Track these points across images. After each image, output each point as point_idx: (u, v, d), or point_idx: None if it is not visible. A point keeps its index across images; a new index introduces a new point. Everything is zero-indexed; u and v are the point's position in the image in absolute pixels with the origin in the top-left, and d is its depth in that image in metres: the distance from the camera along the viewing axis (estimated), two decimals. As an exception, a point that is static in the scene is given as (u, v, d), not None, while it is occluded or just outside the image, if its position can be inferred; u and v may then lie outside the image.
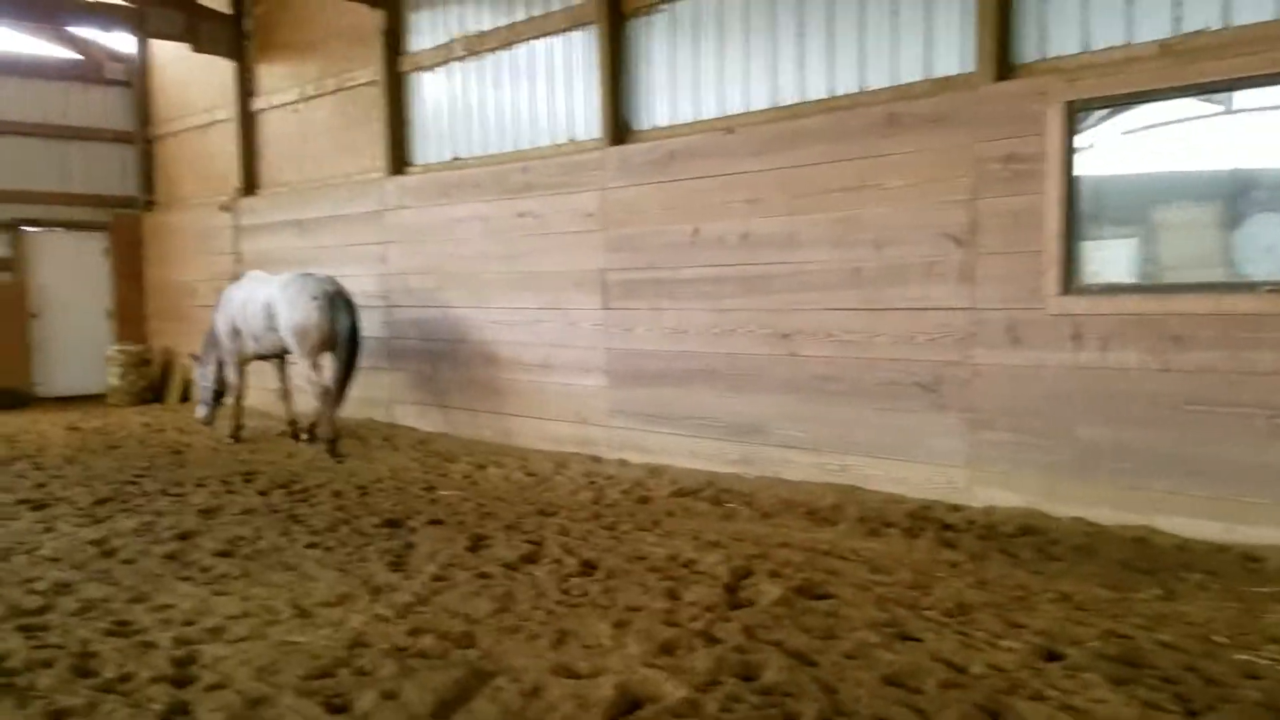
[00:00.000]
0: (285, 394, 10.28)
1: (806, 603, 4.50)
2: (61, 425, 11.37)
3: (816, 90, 6.92)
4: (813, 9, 6.93)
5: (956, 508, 6.10)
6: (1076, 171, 5.69)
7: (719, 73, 7.51)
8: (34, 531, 6.30)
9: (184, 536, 6.12)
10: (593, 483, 7.56)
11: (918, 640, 3.96)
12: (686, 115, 7.77)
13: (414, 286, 10.11)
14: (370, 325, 10.47)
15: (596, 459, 8.36)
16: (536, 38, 8.84)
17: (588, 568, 5.21)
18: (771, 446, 7.10)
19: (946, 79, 6.27)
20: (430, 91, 10.09)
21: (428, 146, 10.20)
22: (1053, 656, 3.83)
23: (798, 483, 6.92)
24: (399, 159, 10.36)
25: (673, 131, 7.80)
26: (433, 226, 9.83)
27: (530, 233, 8.84)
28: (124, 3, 11.77)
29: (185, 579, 5.08)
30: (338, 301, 8.97)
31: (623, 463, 8.14)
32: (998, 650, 3.85)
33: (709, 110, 7.62)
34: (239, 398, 10.20)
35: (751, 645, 3.90)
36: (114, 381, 13.51)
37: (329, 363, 9.16)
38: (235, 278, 10.47)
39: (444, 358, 9.81)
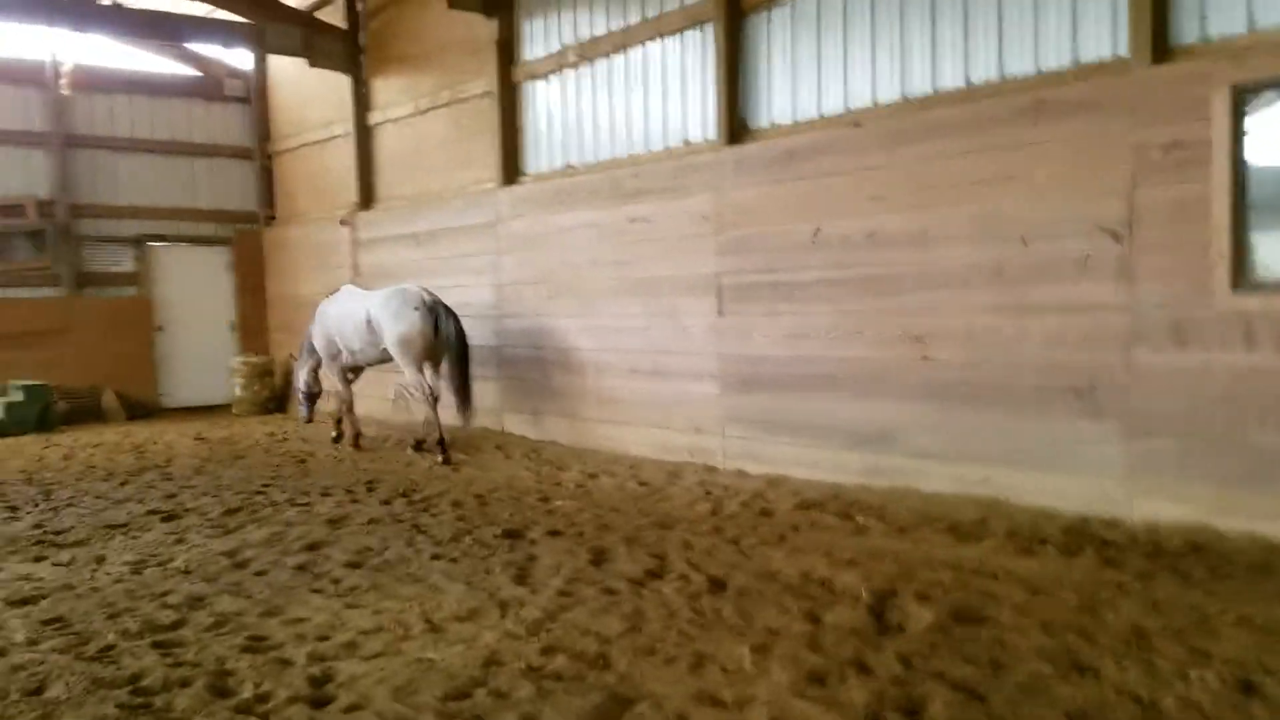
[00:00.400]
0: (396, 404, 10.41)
1: (963, 628, 4.18)
2: (188, 435, 11.71)
3: (951, 80, 6.57)
4: (944, -4, 6.59)
5: (1114, 523, 5.66)
6: (1246, 159, 5.22)
7: (843, 66, 7.21)
8: (165, 543, 6.39)
9: (313, 547, 6.14)
10: (709, 494, 7.33)
11: (1096, 671, 3.62)
12: (808, 111, 7.50)
13: (526, 295, 10.06)
14: (483, 335, 10.48)
15: (711, 468, 8.13)
16: (651, 40, 8.69)
17: (716, 585, 4.99)
18: (902, 456, 6.75)
19: (1097, 64, 5.85)
20: (543, 100, 10.04)
21: (540, 155, 10.15)
22: (1249, 688, 3.44)
23: (933, 495, 6.56)
24: (512, 169, 10.34)
25: (794, 129, 7.54)
26: (544, 235, 9.76)
27: (641, 238, 8.68)
28: (244, 20, 12.09)
29: (316, 591, 5.05)
30: (438, 310, 9.18)
31: (739, 473, 7.89)
32: (1188, 683, 3.48)
33: (832, 105, 7.33)
34: (349, 407, 10.39)
35: (910, 676, 3.62)
36: (237, 392, 13.89)
37: (431, 371, 9.39)
38: (330, 293, 10.62)
39: (555, 365, 9.73)
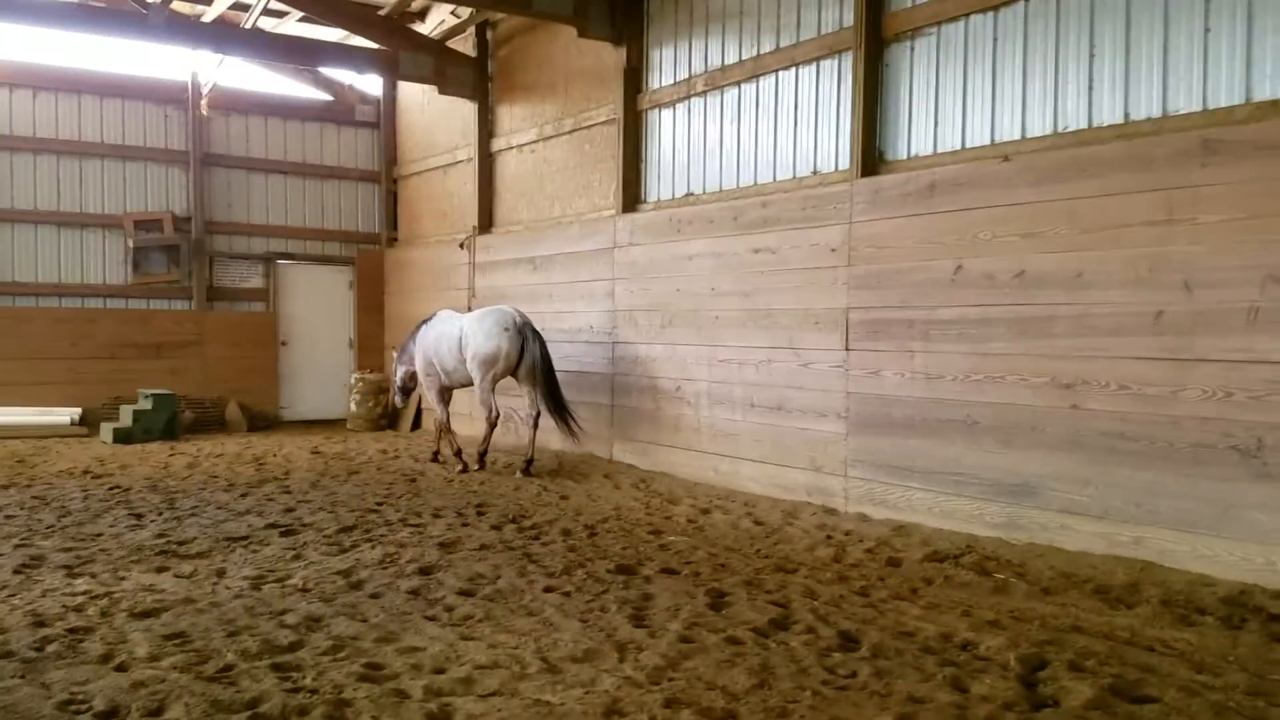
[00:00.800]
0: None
1: (1126, 706, 3.80)
2: (305, 449, 11.92)
3: (1109, 114, 6.18)
4: (1105, 29, 6.21)
5: (1284, 596, 5.15)
6: None
7: (990, 97, 6.89)
8: (284, 559, 6.41)
9: (426, 571, 6.07)
10: (830, 538, 7.01)
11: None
12: (950, 143, 7.18)
13: (640, 323, 9.93)
14: (595, 361, 10.40)
15: (830, 510, 7.80)
16: (784, 68, 8.50)
17: (848, 641, 4.68)
18: (1045, 510, 6.32)
19: (1272, 102, 5.41)
20: (667, 128, 9.95)
21: (661, 183, 10.05)
22: None
23: (1079, 554, 6.10)
24: (632, 196, 10.26)
25: (935, 160, 7.23)
26: (662, 263, 9.63)
27: (766, 270, 8.46)
28: (379, 46, 12.38)
29: (431, 619, 4.94)
30: (526, 332, 9.66)
31: (861, 517, 7.54)
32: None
33: (977, 138, 7.00)
34: (447, 429, 10.64)
35: (1078, 761, 3.27)
36: (353, 408, 14.13)
37: (528, 393, 9.96)
38: (427, 318, 10.75)
39: (667, 395, 9.55)
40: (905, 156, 7.53)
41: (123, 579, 5.80)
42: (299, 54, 12.49)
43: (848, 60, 7.83)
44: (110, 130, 13.46)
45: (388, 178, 15.24)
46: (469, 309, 12.70)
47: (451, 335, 10.08)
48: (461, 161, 13.39)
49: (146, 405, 12.29)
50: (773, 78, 8.65)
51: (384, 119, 15.18)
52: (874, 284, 7.48)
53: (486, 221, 12.82)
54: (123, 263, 13.54)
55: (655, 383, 9.74)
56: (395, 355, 11.56)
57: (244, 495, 8.82)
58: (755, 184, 8.87)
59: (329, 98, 14.95)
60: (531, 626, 4.85)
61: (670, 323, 9.53)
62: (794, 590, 5.61)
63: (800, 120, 8.43)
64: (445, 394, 10.69)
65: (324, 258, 14.99)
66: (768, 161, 8.76)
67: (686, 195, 9.67)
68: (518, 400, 11.65)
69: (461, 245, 12.98)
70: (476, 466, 10.14)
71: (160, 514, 7.89)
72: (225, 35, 11.93)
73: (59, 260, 13.25)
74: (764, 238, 8.46)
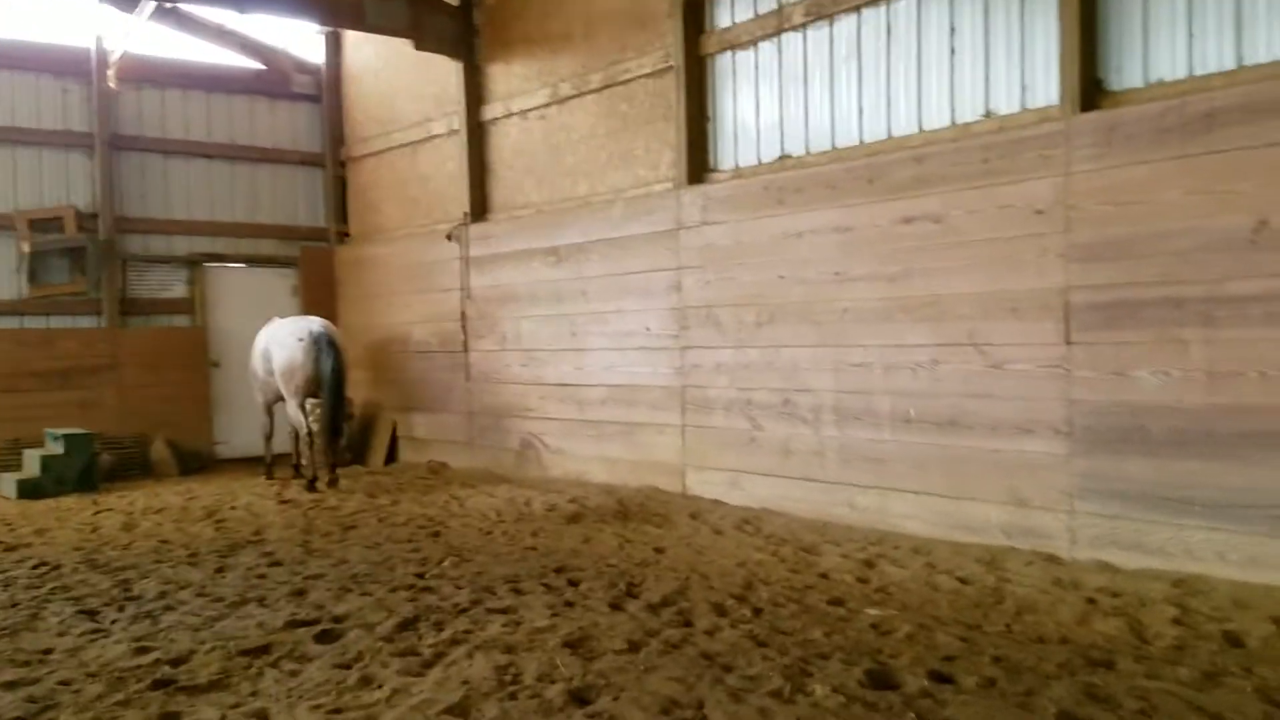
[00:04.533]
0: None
1: None
2: (267, 496, 9.39)
3: None
4: None
5: None
6: None
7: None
8: (347, 685, 4.18)
9: (580, 698, 3.99)
10: (1092, 602, 5.12)
11: None
12: (1221, 60, 5.39)
13: (723, 322, 7.88)
14: (655, 372, 8.33)
15: (1051, 558, 5.90)
16: (940, -19, 6.61)
17: None
18: None
19: None
20: (745, 74, 7.94)
21: (740, 146, 8.03)
22: None
23: None
24: (699, 164, 8.20)
25: (1198, 85, 5.43)
26: (754, 245, 7.61)
27: (924, 244, 6.53)
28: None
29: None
30: (321, 343, 9.42)
31: (1104, 566, 5.66)
32: None
33: (1261, 53, 5.23)
34: (295, 440, 10.14)
35: None
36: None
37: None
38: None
39: (771, 411, 7.52)
40: (1142, 84, 5.71)
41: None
42: (248, 4, 9.89)
43: (1053, -40, 5.98)
44: (-5, 108, 10.63)
45: (334, 160, 12.73)
46: (462, 314, 10.43)
47: (259, 344, 10.11)
48: (438, 136, 11.07)
49: (57, 449, 9.56)
50: (917, -3, 6.75)
51: (327, 90, 12.66)
52: (1112, 254, 5.62)
53: (481, 207, 10.55)
54: (15, 271, 10.67)
55: (749, 396, 7.70)
56: None
57: (219, 570, 6.48)
58: (892, 136, 6.94)
59: (260, 66, 12.34)
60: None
61: (771, 319, 7.50)
62: (1161, 700, 3.72)
63: (961, 49, 6.54)
64: (269, 404, 10.42)
65: (260, 258, 12.38)
66: (909, 107, 6.85)
67: (782, 158, 7.67)
68: (535, 423, 9.50)
69: (449, 237, 10.66)
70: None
71: (120, 608, 5.53)
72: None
73: (-72, 270, 10.35)
74: (920, 203, 6.53)
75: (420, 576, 6.15)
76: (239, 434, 11.90)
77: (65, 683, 4.17)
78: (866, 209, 6.84)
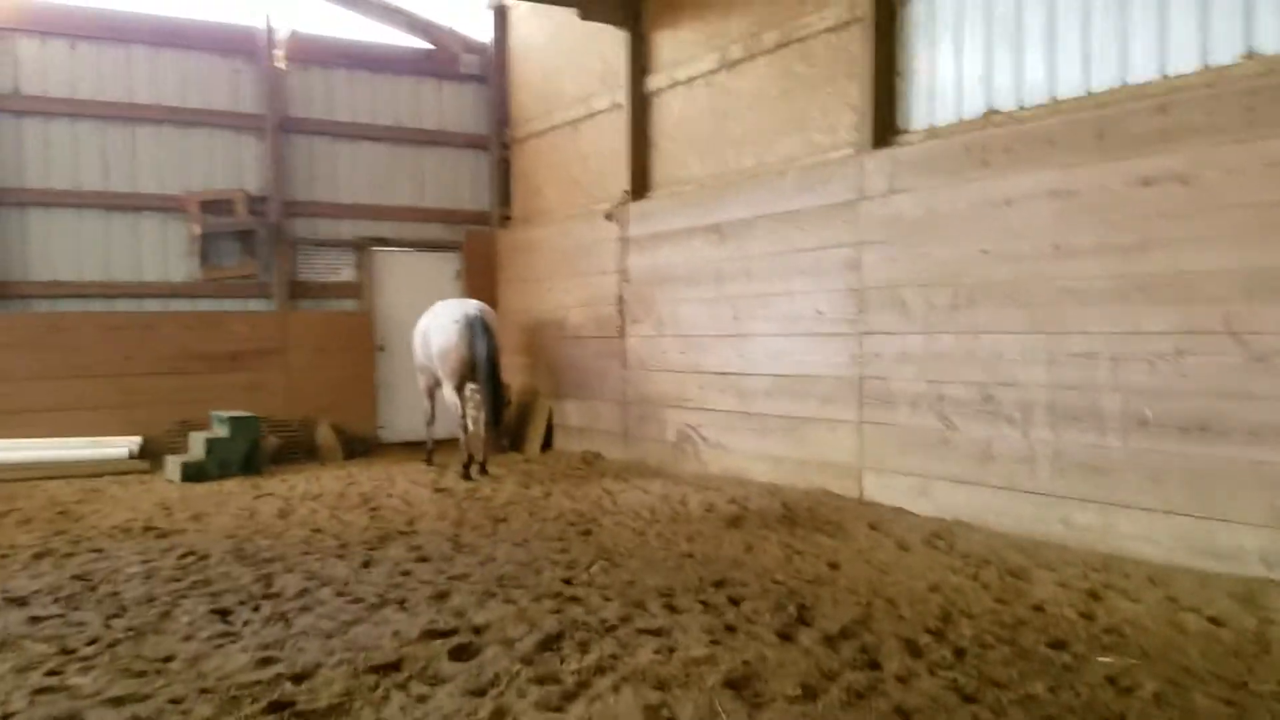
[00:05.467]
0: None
1: None
2: (423, 484, 9.11)
3: None
4: None
5: None
6: None
7: None
8: (477, 717, 3.59)
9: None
10: None
11: None
12: None
13: (910, 303, 6.95)
14: (828, 360, 7.48)
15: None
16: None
17: None
18: None
19: None
20: (945, 21, 6.95)
21: (936, 102, 7.06)
22: None
23: None
24: (885, 125, 7.29)
25: None
26: (953, 214, 6.64)
27: (1167, 210, 5.43)
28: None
29: None
30: (476, 326, 9.07)
31: None
32: None
33: None
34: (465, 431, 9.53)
35: None
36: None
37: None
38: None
39: (968, 409, 6.55)
40: None
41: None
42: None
43: None
44: (167, 90, 10.79)
45: (499, 143, 12.42)
46: (619, 297, 9.85)
47: (420, 327, 9.90)
48: (600, 112, 10.52)
49: (222, 431, 9.60)
50: (1164, -88, 5.61)
51: (494, 70, 12.36)
52: None
53: (641, 184, 9.94)
54: (186, 255, 10.87)
55: (941, 390, 6.74)
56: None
57: (366, 564, 6.09)
58: (1127, 84, 5.84)
59: (428, 46, 12.15)
60: None
61: (970, 301, 6.53)
62: None
63: (1219, -26, 5.39)
64: (433, 389, 10.18)
65: (425, 243, 12.22)
66: (1149, 48, 5.72)
67: (989, 113, 6.66)
68: (693, 414, 8.82)
69: (608, 216, 10.11)
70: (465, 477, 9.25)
71: (256, 607, 5.16)
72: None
73: (107, 253, 10.63)
74: (1163, 161, 5.42)
75: (568, 582, 5.58)
76: (401, 418, 11.79)
77: (176, 700, 3.78)
78: (1094, 169, 5.77)
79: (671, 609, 5.04)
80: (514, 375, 12.00)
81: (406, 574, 5.86)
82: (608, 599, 5.21)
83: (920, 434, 6.91)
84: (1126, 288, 5.61)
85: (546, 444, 11.14)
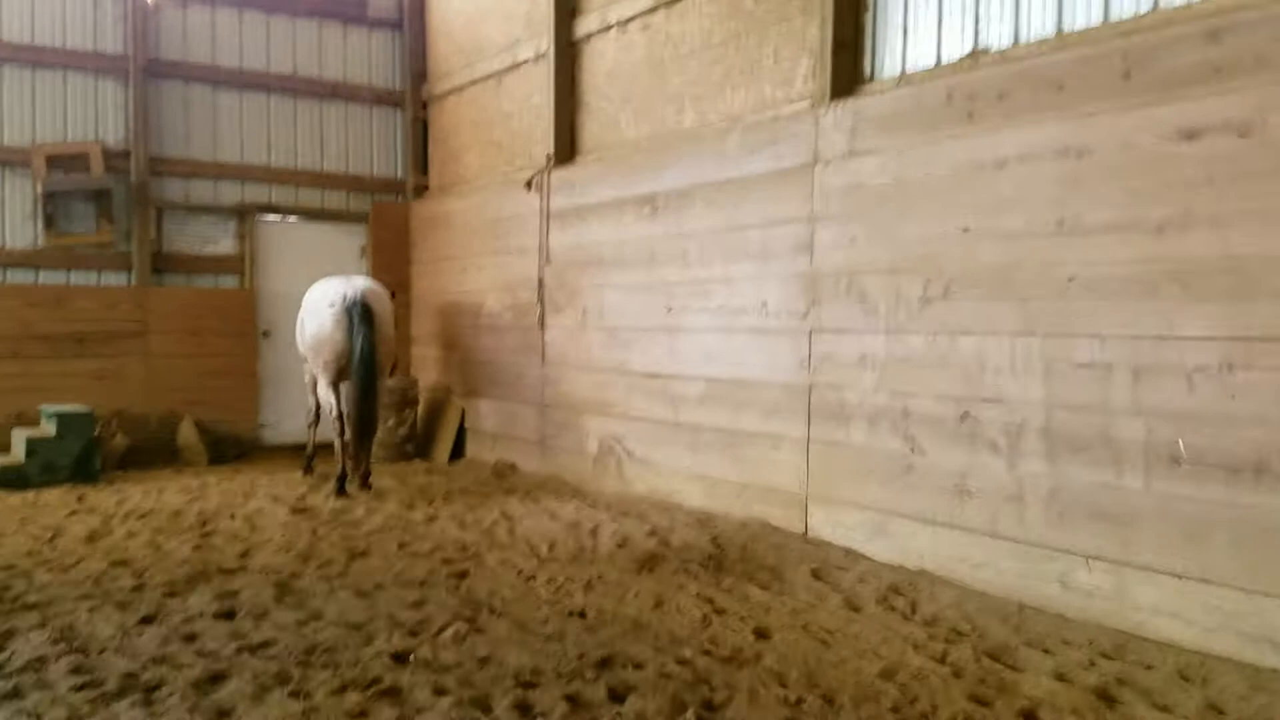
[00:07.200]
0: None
1: None
2: (286, 500, 7.53)
3: None
4: None
5: None
6: None
7: None
8: None
9: None
10: None
11: None
12: None
13: (873, 295, 5.49)
14: (776, 362, 6.02)
15: None
16: None
17: None
18: None
19: None
20: (920, -64, 5.50)
21: (911, 41, 5.61)
22: None
23: None
24: (848, 71, 5.82)
25: None
26: (924, 183, 5.19)
27: (1217, 173, 4.00)
28: None
29: None
30: (356, 311, 7.49)
31: None
32: None
33: None
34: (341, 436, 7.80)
35: None
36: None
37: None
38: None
39: (940, 430, 5.11)
40: None
41: None
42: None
43: None
44: (13, 24, 9.10)
45: (415, 99, 10.85)
46: (539, 281, 8.36)
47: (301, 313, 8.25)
48: (525, 62, 8.98)
49: (49, 429, 7.99)
50: None
51: (410, 14, 10.78)
52: None
53: (568, 148, 8.41)
54: (29, 217, 9.19)
55: (906, 404, 5.30)
56: None
57: (147, 619, 4.65)
58: (1160, 8, 4.40)
59: (335, -14, 10.56)
60: None
61: (945, 293, 5.08)
62: None
63: None
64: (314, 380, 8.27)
65: (324, 212, 10.62)
66: (1192, -42, 4.30)
67: (975, 52, 5.21)
68: (617, 423, 7.39)
69: (529, 185, 8.58)
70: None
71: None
72: None
73: (-65, 213, 8.97)
74: (1215, 105, 3.99)
75: (400, 659, 4.12)
76: (289, 416, 10.18)
77: None
78: (1115, 120, 4.33)
79: (524, 711, 3.58)
80: (424, 370, 10.47)
81: (190, 639, 4.39)
82: (441, 692, 3.76)
83: (879, 458, 5.46)
84: (1156, 277, 4.18)
85: (457, 452, 9.61)
